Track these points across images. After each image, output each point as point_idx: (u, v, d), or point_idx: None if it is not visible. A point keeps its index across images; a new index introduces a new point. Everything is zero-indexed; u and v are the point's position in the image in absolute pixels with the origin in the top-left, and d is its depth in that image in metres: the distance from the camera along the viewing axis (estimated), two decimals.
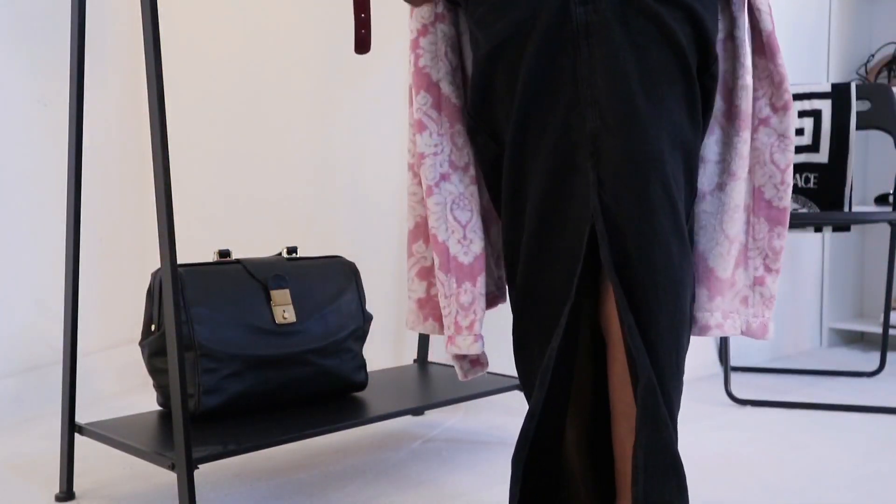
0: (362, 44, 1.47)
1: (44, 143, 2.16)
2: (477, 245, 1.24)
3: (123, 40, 2.43)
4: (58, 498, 1.54)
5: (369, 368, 1.75)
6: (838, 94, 2.44)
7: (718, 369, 2.54)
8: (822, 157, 2.46)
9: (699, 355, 2.49)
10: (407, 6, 1.34)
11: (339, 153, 2.41)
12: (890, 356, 2.60)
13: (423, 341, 2.05)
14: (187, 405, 1.36)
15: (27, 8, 2.13)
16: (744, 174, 1.21)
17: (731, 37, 1.22)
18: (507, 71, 1.13)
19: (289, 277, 1.64)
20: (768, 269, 1.25)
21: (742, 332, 1.24)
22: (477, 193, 1.26)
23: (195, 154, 2.58)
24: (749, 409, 2.17)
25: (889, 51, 3.02)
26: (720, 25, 1.20)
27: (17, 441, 1.90)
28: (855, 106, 2.43)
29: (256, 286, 1.60)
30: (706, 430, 1.97)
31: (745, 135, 1.20)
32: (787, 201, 1.24)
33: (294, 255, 1.73)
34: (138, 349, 1.61)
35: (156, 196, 1.34)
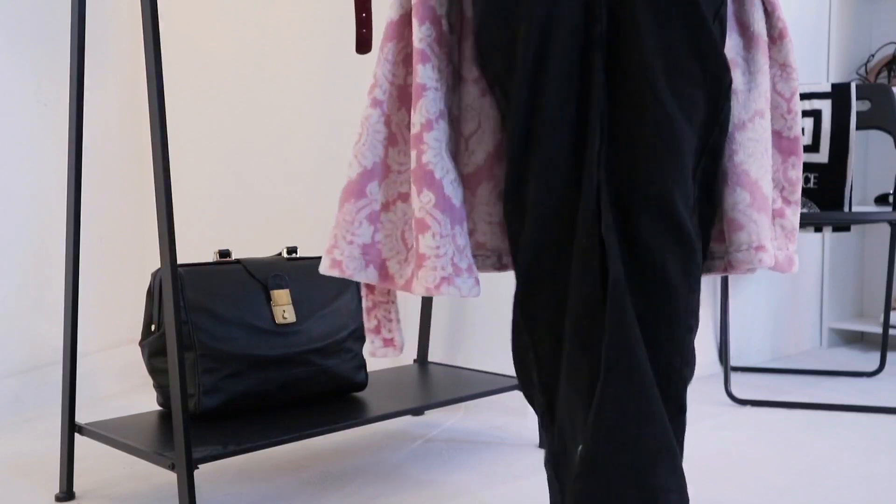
0: (363, 43, 1.47)
1: (44, 143, 2.16)
2: (461, 191, 1.20)
3: (123, 40, 2.44)
4: (58, 498, 1.54)
5: (369, 368, 1.75)
6: (838, 94, 2.44)
7: (718, 369, 2.54)
8: (822, 157, 2.46)
9: (699, 355, 2.49)
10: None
11: (340, 153, 2.41)
12: (890, 356, 2.60)
13: (423, 341, 2.05)
14: (187, 405, 1.36)
15: (27, 8, 2.13)
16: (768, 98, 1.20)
17: None
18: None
19: (289, 277, 1.64)
20: (787, 202, 1.24)
21: (770, 266, 1.24)
22: (462, 138, 1.23)
23: (195, 154, 2.58)
24: (749, 409, 2.17)
25: (889, 51, 3.02)
26: None
27: (17, 441, 1.90)
28: (855, 106, 2.43)
29: (256, 286, 1.60)
30: (706, 430, 1.97)
31: (759, 57, 1.19)
32: (797, 130, 1.22)
33: (294, 255, 1.73)
34: (138, 349, 1.61)
35: (156, 196, 1.34)
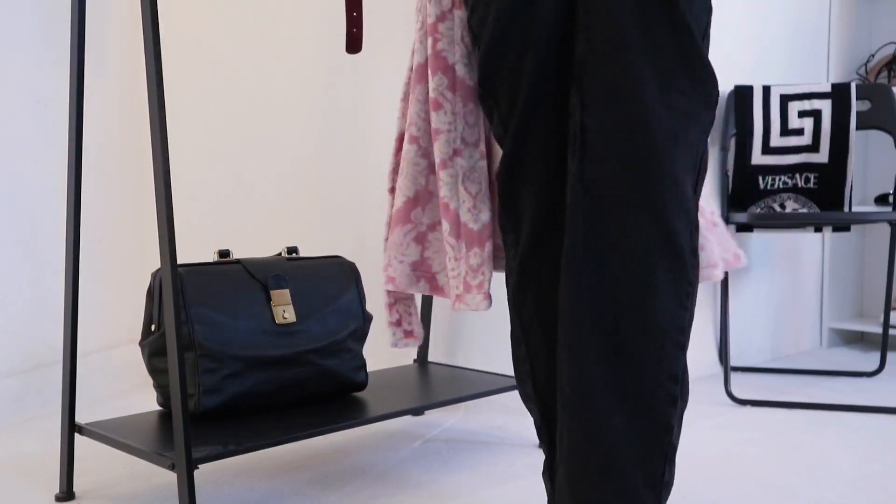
0: (354, 42, 1.48)
1: (44, 143, 2.16)
2: (485, 214, 1.34)
3: (123, 40, 2.44)
4: (58, 498, 1.54)
5: (369, 368, 1.75)
6: (838, 94, 2.44)
7: (718, 369, 2.54)
8: (822, 157, 2.46)
9: (699, 355, 2.49)
10: (407, 4, 1.36)
11: (340, 153, 2.41)
12: (890, 356, 2.60)
13: (423, 341, 2.05)
14: (187, 405, 1.36)
15: (27, 8, 2.13)
16: None
17: None
18: (517, 38, 1.13)
19: (289, 277, 1.64)
20: (711, 212, 1.34)
21: (720, 279, 1.32)
22: (486, 168, 1.35)
23: (195, 154, 2.58)
24: (749, 409, 2.17)
25: (889, 51, 3.02)
26: None
27: (17, 441, 1.90)
28: (855, 106, 2.43)
29: (256, 286, 1.60)
30: (706, 430, 1.97)
31: None
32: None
33: (294, 255, 1.73)
34: (138, 349, 1.61)
35: (156, 196, 1.34)
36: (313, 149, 2.45)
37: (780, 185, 2.49)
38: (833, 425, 2.01)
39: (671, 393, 1.07)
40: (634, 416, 1.05)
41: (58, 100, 2.17)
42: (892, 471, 1.70)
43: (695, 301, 1.11)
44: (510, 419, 2.00)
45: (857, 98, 2.43)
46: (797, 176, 2.48)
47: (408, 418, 2.03)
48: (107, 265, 2.38)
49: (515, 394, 1.73)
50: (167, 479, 1.57)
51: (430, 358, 2.08)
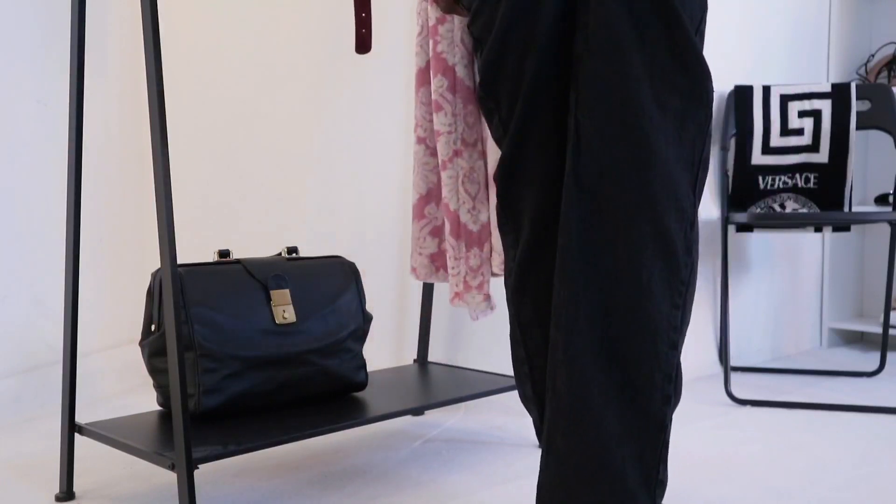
0: (363, 43, 1.48)
1: (44, 143, 2.16)
2: (484, 214, 1.37)
3: (123, 40, 2.44)
4: (58, 498, 1.54)
5: (369, 368, 1.75)
6: (838, 94, 2.44)
7: (718, 369, 2.54)
8: (822, 157, 2.46)
9: (699, 355, 2.49)
10: (408, 4, 1.36)
11: (340, 153, 2.41)
12: (890, 356, 2.60)
13: (423, 341, 2.05)
14: (187, 405, 1.36)
15: (27, 8, 2.13)
16: None
17: None
18: (520, 41, 1.12)
19: (289, 277, 1.64)
20: None
21: None
22: (484, 168, 1.37)
23: (195, 154, 2.58)
24: (749, 409, 2.17)
25: (889, 51, 3.02)
26: None
27: (17, 441, 1.90)
28: (855, 106, 2.43)
29: (256, 286, 1.60)
30: (706, 430, 1.97)
31: None
32: None
33: (294, 255, 1.73)
34: (138, 349, 1.61)
35: (156, 196, 1.34)
36: (313, 149, 2.45)
37: (780, 185, 2.49)
38: (833, 425, 2.01)
39: (665, 392, 1.07)
40: (629, 417, 1.05)
41: (58, 100, 2.17)
42: (892, 471, 1.70)
43: (691, 300, 1.11)
44: (510, 419, 2.00)
45: (857, 98, 2.43)
46: (797, 176, 2.48)
47: (408, 418, 2.03)
48: (107, 265, 2.38)
49: (515, 394, 1.73)
50: (167, 479, 1.57)
51: (430, 358, 2.08)
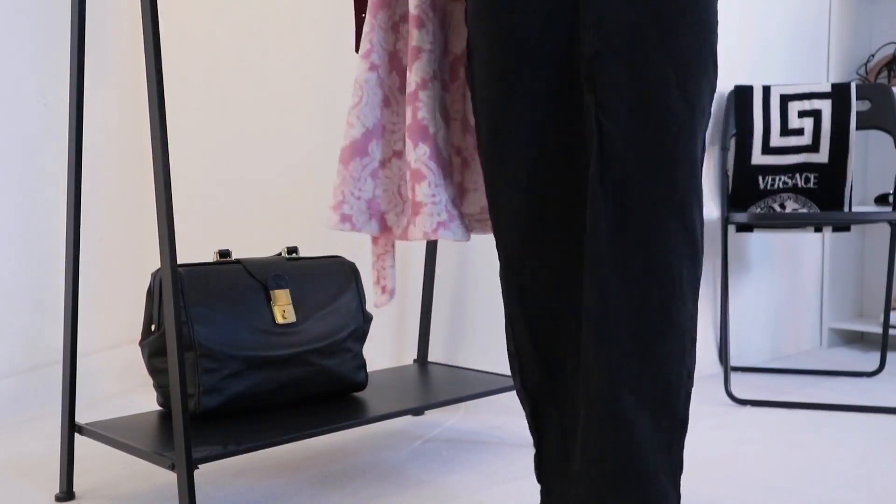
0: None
1: (44, 142, 2.16)
2: (449, 149, 1.30)
3: (123, 40, 2.44)
4: (58, 498, 1.54)
5: (369, 368, 1.75)
6: (838, 94, 2.44)
7: (718, 369, 2.54)
8: (822, 157, 2.46)
9: (699, 355, 2.49)
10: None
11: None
12: (890, 356, 2.60)
13: (423, 341, 2.05)
14: (187, 405, 1.36)
15: (27, 7, 2.13)
16: None
17: None
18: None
19: (289, 277, 1.64)
20: None
21: None
22: (447, 101, 1.30)
23: (195, 154, 2.58)
24: (749, 409, 2.17)
25: (889, 51, 3.02)
26: None
27: (17, 441, 1.90)
28: (855, 106, 2.43)
29: (256, 286, 1.60)
30: (706, 430, 1.97)
31: None
32: None
33: (294, 255, 1.73)
34: (138, 349, 1.61)
35: (156, 196, 1.34)
36: (313, 148, 2.45)
37: (780, 185, 2.49)
38: (833, 425, 2.01)
39: (688, 390, 1.09)
40: (659, 416, 1.05)
41: (58, 100, 2.17)
42: (892, 471, 1.70)
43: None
44: (510, 419, 2.00)
45: (857, 98, 2.43)
46: (797, 176, 2.48)
47: (408, 418, 2.03)
48: (107, 265, 2.38)
49: (515, 394, 1.73)
50: (167, 479, 1.57)
51: (430, 358, 2.08)
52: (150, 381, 1.60)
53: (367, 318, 1.73)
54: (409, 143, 1.28)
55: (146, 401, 1.84)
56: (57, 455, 1.59)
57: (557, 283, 1.10)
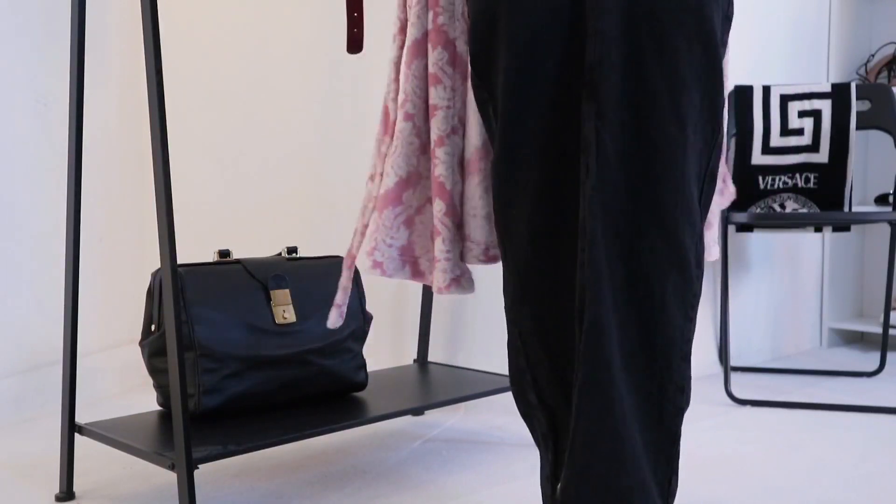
0: (355, 43, 1.48)
1: (44, 142, 2.16)
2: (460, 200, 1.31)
3: (123, 40, 2.44)
4: (58, 498, 1.54)
5: (369, 368, 1.75)
6: (838, 94, 2.44)
7: (718, 369, 2.54)
8: (822, 157, 2.46)
9: (699, 355, 2.49)
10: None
11: (339, 153, 2.41)
12: (890, 356, 2.60)
13: (423, 341, 2.05)
14: (187, 405, 1.36)
15: (27, 7, 2.13)
16: None
17: None
18: (508, 14, 1.09)
19: (289, 277, 1.64)
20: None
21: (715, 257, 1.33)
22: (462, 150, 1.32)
23: (195, 154, 2.58)
24: (749, 409, 2.17)
25: (889, 51, 3.02)
26: None
27: (17, 441, 1.90)
28: (855, 106, 2.43)
29: (256, 286, 1.60)
30: (706, 430, 1.97)
31: None
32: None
33: (294, 255, 1.73)
34: (138, 349, 1.61)
35: (156, 196, 1.34)
36: (313, 149, 2.45)
37: (780, 185, 2.49)
38: (833, 425, 2.01)
39: (678, 405, 1.09)
40: (645, 430, 1.06)
41: (58, 100, 2.17)
42: (892, 471, 1.70)
43: (697, 311, 1.11)
44: (510, 419, 2.00)
45: (857, 98, 2.43)
46: (797, 176, 2.48)
47: (408, 418, 2.03)
48: (107, 265, 2.38)
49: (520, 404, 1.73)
50: (167, 479, 1.57)
51: (430, 358, 2.08)
52: (150, 381, 1.60)
53: (367, 318, 1.73)
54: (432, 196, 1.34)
55: (146, 401, 1.84)
56: (57, 455, 1.59)
57: (571, 295, 1.09)
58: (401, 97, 1.36)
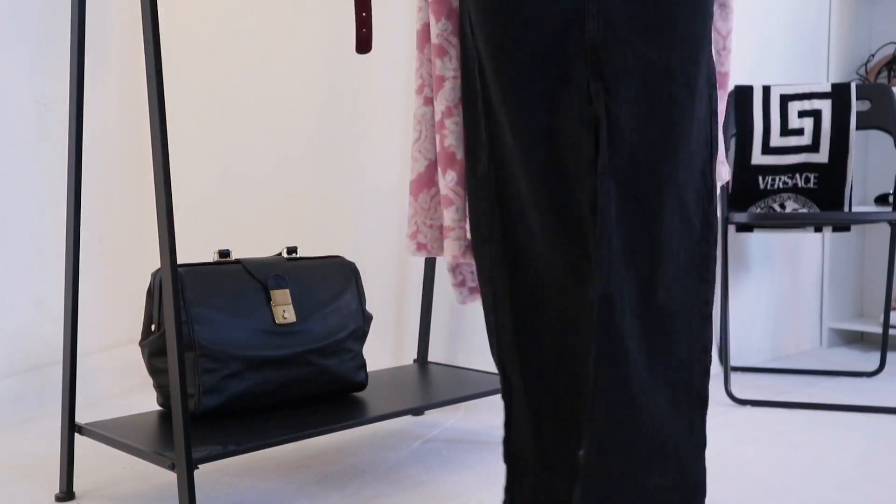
0: (363, 43, 1.47)
1: (44, 142, 2.16)
2: None
3: (123, 40, 2.44)
4: (58, 498, 1.54)
5: (369, 368, 1.75)
6: (838, 94, 2.44)
7: (718, 369, 2.54)
8: (822, 157, 2.46)
9: None
10: (409, 3, 1.35)
11: (340, 153, 2.41)
12: (890, 356, 2.60)
13: (423, 341, 2.05)
14: (187, 405, 1.36)
15: (27, 7, 2.13)
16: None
17: None
18: None
19: (289, 277, 1.64)
20: None
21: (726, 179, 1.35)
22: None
23: (195, 154, 2.58)
24: (749, 409, 2.17)
25: (889, 51, 3.02)
26: None
27: (17, 441, 1.91)
28: (855, 106, 2.43)
29: (256, 286, 1.60)
30: (706, 430, 1.97)
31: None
32: (727, 66, 1.29)
33: (294, 255, 1.73)
34: (138, 349, 1.61)
35: (156, 196, 1.34)
36: (314, 149, 2.45)
37: (780, 185, 2.49)
38: (833, 425, 2.02)
39: (704, 365, 1.11)
40: (675, 395, 1.08)
41: (58, 100, 2.17)
42: (892, 471, 1.70)
43: (714, 271, 1.13)
44: None
45: (857, 98, 2.43)
46: (797, 176, 2.48)
47: (408, 418, 2.03)
48: (107, 265, 2.38)
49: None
50: (167, 479, 1.57)
51: (430, 358, 2.08)
52: (150, 381, 1.60)
53: (367, 318, 1.73)
54: (439, 170, 1.34)
55: (146, 401, 1.84)
56: (57, 455, 1.59)
57: (550, 265, 1.12)
58: (417, 82, 1.38)
